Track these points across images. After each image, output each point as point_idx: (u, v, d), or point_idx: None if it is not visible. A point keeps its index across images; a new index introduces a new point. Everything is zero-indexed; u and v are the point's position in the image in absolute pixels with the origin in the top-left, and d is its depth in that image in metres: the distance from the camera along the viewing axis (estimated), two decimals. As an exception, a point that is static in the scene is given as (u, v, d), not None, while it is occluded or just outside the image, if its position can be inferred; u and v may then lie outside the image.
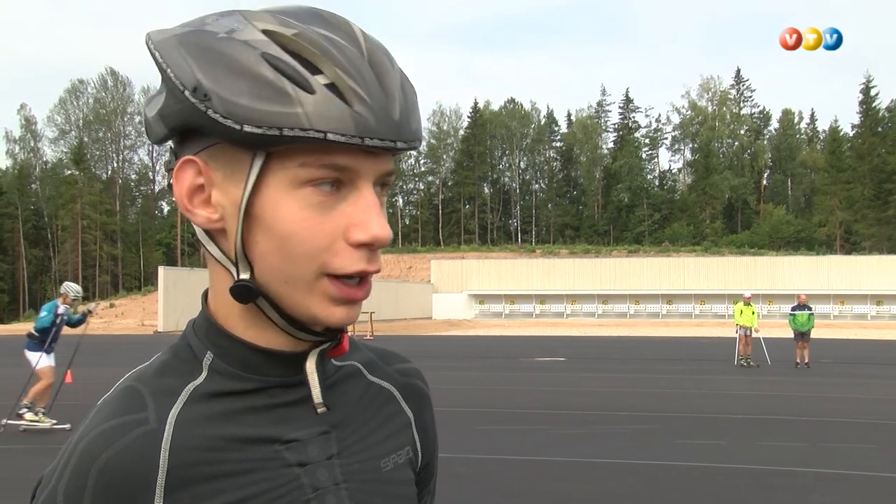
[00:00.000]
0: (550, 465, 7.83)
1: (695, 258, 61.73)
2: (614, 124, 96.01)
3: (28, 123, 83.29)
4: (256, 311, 0.75)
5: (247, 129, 0.67)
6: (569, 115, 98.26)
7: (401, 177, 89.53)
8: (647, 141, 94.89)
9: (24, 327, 48.69)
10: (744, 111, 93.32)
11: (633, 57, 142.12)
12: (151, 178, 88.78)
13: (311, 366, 0.77)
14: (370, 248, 0.72)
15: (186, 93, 0.69)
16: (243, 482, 0.72)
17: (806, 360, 18.90)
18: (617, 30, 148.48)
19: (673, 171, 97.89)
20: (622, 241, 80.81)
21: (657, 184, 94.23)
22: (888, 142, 73.96)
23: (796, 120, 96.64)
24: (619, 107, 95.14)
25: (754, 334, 19.89)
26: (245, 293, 0.72)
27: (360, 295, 0.73)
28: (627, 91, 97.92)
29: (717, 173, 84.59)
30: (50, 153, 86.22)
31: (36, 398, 9.84)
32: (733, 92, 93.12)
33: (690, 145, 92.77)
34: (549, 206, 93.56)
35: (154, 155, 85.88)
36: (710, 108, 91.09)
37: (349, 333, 0.82)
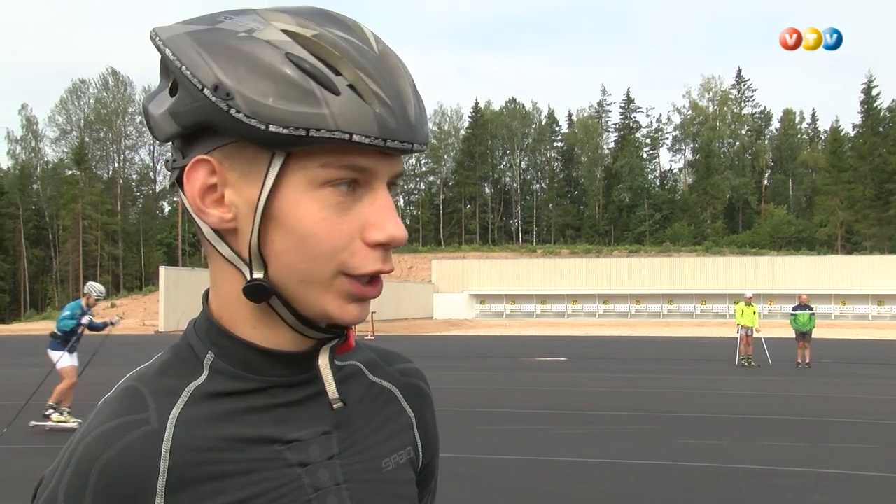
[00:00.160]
0: (551, 465, 7.82)
1: (696, 258, 61.73)
2: (615, 124, 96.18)
3: (29, 123, 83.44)
4: (265, 310, 0.75)
5: (272, 128, 0.67)
6: (570, 115, 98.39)
7: (402, 177, 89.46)
8: (648, 141, 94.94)
9: (25, 327, 48.76)
10: (745, 111, 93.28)
11: (634, 57, 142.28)
12: (152, 178, 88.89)
13: (324, 362, 0.77)
14: (386, 247, 0.73)
15: (206, 91, 0.68)
16: (244, 482, 0.72)
17: (807, 360, 18.88)
18: (617, 30, 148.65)
19: (674, 171, 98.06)
20: (623, 241, 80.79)
21: (658, 184, 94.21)
22: (889, 142, 73.91)
23: (797, 120, 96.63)
24: (620, 107, 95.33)
25: (755, 334, 19.88)
26: (259, 292, 0.72)
27: (373, 293, 0.74)
28: (628, 91, 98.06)
29: (718, 173, 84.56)
30: (51, 153, 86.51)
31: (60, 398, 9.85)
32: (734, 92, 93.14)
33: (691, 145, 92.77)
34: (550, 205, 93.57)
35: (155, 155, 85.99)
36: (711, 108, 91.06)
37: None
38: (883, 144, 74.22)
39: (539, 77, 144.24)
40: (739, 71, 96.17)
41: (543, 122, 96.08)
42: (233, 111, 0.67)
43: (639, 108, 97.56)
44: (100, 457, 0.70)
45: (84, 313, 10.22)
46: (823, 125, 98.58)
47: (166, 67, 0.74)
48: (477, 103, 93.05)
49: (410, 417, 0.88)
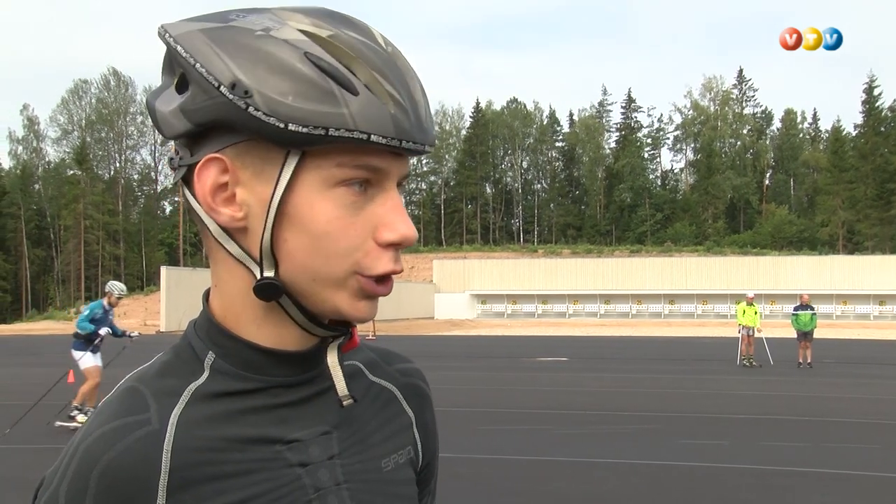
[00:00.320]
0: (552, 465, 7.82)
1: (697, 258, 61.67)
2: (616, 124, 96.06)
3: (31, 123, 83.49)
4: (272, 309, 0.75)
5: (291, 127, 0.67)
6: (571, 114, 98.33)
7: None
8: (649, 141, 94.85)
9: (26, 327, 48.78)
10: (746, 111, 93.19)
11: (635, 57, 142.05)
12: (154, 178, 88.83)
13: (332, 360, 0.77)
14: (397, 248, 0.73)
15: (223, 89, 0.68)
16: (245, 483, 0.72)
17: (808, 360, 18.88)
18: (618, 30, 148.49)
19: (675, 171, 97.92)
20: (624, 241, 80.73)
21: (659, 183, 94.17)
22: (891, 141, 73.85)
23: (799, 120, 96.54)
24: (622, 106, 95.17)
25: (757, 334, 19.87)
26: (270, 290, 0.72)
27: (385, 291, 0.75)
28: (629, 91, 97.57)
29: (719, 173, 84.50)
30: (53, 153, 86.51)
31: (85, 399, 9.87)
32: (735, 92, 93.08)
33: (692, 145, 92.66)
34: (552, 205, 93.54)
35: (156, 155, 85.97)
36: (712, 108, 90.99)
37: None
38: (884, 144, 74.14)
39: (540, 77, 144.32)
40: (741, 71, 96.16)
41: (545, 122, 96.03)
42: (251, 109, 0.67)
43: (640, 107, 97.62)
44: (101, 458, 0.70)
45: (106, 312, 10.29)
46: (825, 125, 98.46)
47: (171, 64, 0.74)
48: (478, 103, 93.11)
49: (410, 417, 0.89)
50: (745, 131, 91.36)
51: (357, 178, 0.71)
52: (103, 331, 10.08)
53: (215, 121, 0.70)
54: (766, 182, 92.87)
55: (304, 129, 0.67)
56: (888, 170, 71.68)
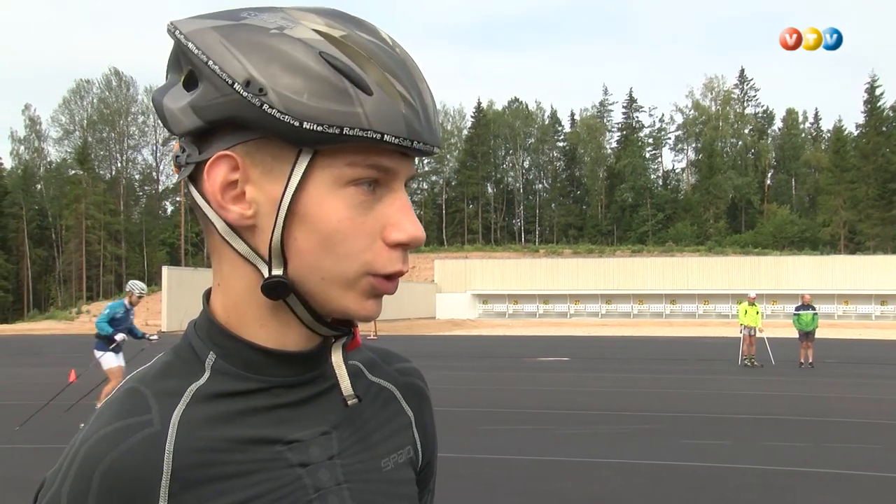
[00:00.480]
0: (554, 465, 7.82)
1: (698, 258, 61.66)
2: (618, 124, 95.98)
3: (32, 123, 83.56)
4: (278, 308, 0.75)
5: (306, 125, 0.67)
6: (572, 114, 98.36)
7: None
8: (650, 141, 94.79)
9: (27, 327, 48.80)
10: (747, 111, 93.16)
11: (635, 57, 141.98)
12: (155, 178, 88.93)
13: (337, 359, 0.77)
14: (405, 248, 0.74)
15: (237, 86, 0.68)
16: (246, 483, 0.72)
17: (810, 360, 18.87)
18: (618, 29, 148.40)
19: (676, 171, 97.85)
20: (626, 241, 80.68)
21: (661, 183, 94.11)
22: (893, 141, 73.81)
23: (800, 119, 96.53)
24: (623, 106, 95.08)
25: (758, 334, 19.87)
26: (279, 289, 0.72)
27: (392, 289, 0.75)
28: (631, 91, 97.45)
29: (720, 173, 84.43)
30: (54, 153, 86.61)
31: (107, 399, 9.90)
32: (737, 91, 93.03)
33: (694, 145, 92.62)
34: (553, 205, 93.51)
35: (158, 155, 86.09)
36: (713, 108, 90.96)
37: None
38: (886, 144, 74.10)
39: (540, 77, 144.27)
40: (742, 71, 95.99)
41: (546, 122, 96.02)
42: (266, 107, 0.67)
43: (641, 107, 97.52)
44: (103, 459, 0.69)
45: (127, 311, 10.38)
46: (826, 125, 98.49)
47: (179, 61, 0.74)
48: (479, 103, 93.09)
49: (410, 417, 0.89)
50: (746, 131, 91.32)
51: (367, 177, 0.71)
52: (119, 337, 10.16)
53: (228, 118, 0.70)
54: (768, 182, 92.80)
55: (319, 128, 0.67)
56: (890, 170, 71.64)
